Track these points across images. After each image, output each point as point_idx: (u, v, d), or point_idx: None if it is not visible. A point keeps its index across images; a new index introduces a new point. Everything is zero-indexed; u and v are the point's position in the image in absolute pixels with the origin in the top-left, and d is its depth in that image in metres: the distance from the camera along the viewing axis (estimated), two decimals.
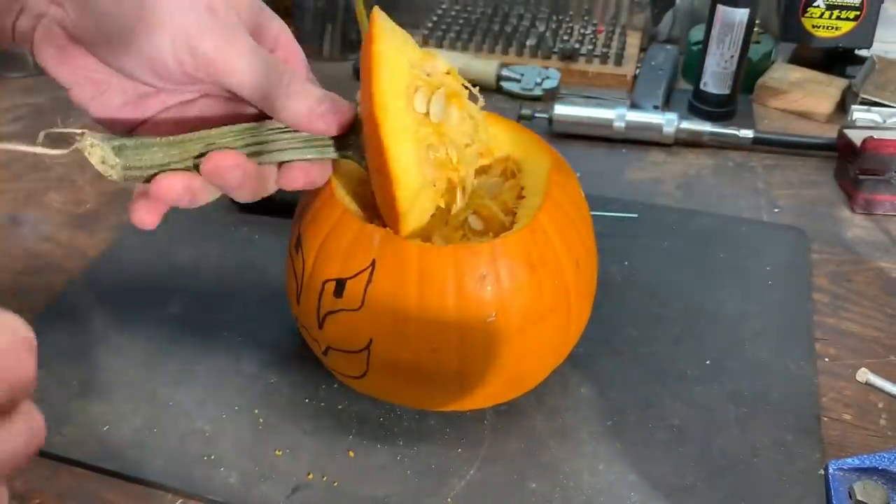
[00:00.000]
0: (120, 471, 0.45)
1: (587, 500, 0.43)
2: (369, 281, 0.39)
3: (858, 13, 0.82)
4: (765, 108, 0.85)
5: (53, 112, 0.85)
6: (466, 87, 0.41)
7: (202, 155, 0.36)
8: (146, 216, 0.36)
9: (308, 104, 0.37)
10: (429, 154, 0.39)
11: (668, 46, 0.92)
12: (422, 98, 0.38)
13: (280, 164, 0.39)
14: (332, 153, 0.40)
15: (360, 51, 0.38)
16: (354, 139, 0.39)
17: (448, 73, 0.40)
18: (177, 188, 0.36)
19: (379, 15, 0.38)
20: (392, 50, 0.37)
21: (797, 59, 0.90)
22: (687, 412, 0.48)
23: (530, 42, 0.91)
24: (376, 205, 0.41)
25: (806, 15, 0.84)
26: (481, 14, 0.97)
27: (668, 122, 0.76)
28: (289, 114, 0.37)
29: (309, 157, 0.39)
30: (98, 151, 0.35)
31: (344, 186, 0.44)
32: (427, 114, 0.39)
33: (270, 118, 0.37)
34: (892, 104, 0.77)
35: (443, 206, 0.41)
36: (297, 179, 0.39)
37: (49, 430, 0.48)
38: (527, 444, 0.46)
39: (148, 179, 0.36)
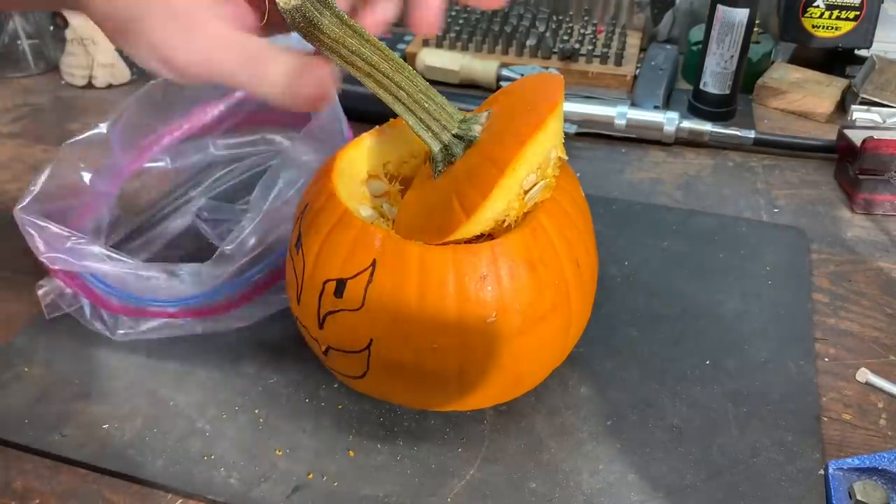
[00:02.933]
0: (120, 471, 0.45)
1: (587, 499, 0.43)
2: (370, 281, 0.39)
3: (858, 13, 0.83)
4: (765, 108, 0.85)
5: (54, 112, 0.85)
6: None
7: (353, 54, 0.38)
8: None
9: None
10: (506, 212, 0.41)
11: (668, 46, 0.92)
12: (531, 178, 0.41)
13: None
14: (434, 142, 0.42)
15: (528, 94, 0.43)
16: (459, 149, 0.42)
17: (559, 157, 0.43)
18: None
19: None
20: (556, 128, 0.41)
21: (797, 59, 0.90)
22: (687, 412, 0.48)
23: (530, 42, 0.91)
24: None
25: (806, 15, 0.84)
26: (481, 14, 0.97)
27: (670, 121, 0.76)
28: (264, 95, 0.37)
29: (410, 124, 0.41)
30: None
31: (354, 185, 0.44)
32: (524, 191, 0.41)
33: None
34: (891, 104, 0.77)
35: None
36: None
37: (49, 431, 0.48)
38: (527, 443, 0.46)
39: (306, 34, 0.37)
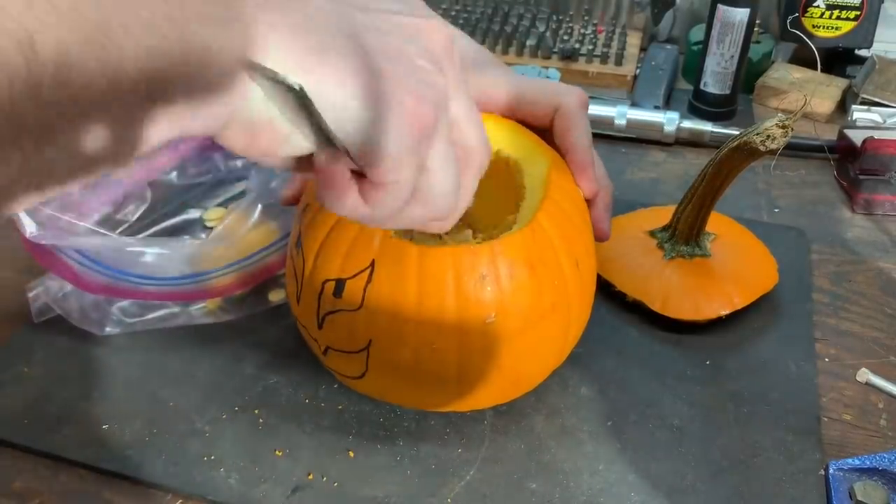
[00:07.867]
0: (120, 471, 0.45)
1: (587, 500, 0.43)
2: (369, 281, 0.39)
3: (858, 13, 0.82)
4: (765, 108, 0.85)
5: None
6: None
7: None
8: None
9: None
10: None
11: (669, 46, 0.92)
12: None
13: None
14: None
15: None
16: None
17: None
18: None
19: None
20: None
21: (797, 59, 0.90)
22: (687, 412, 0.48)
23: (530, 42, 0.91)
24: None
25: (806, 15, 0.84)
26: (481, 14, 0.97)
27: (670, 121, 0.76)
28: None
29: None
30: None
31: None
32: None
33: None
34: (892, 104, 0.77)
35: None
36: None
37: (49, 431, 0.48)
38: (527, 444, 0.46)
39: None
